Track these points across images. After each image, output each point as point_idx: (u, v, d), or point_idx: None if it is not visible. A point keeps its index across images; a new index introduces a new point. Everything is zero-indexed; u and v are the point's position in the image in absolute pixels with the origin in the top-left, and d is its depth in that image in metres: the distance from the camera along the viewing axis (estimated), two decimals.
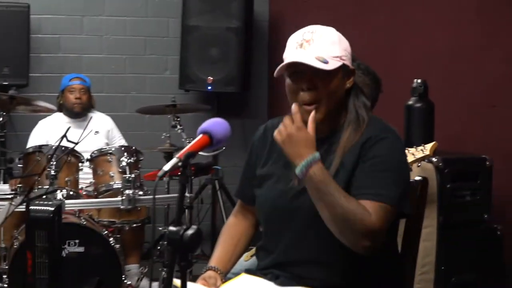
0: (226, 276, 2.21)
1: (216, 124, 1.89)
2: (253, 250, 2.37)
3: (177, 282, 1.71)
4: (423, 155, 3.02)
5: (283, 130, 2.01)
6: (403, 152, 2.12)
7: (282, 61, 2.07)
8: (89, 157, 4.15)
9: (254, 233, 2.35)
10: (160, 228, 4.45)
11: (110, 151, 4.18)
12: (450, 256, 3.35)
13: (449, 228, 3.35)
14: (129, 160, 4.11)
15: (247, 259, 2.52)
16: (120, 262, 3.70)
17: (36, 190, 3.64)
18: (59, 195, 3.78)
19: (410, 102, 3.59)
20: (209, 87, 5.31)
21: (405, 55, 4.43)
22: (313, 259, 2.06)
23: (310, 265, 2.06)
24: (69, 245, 3.55)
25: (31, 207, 2.98)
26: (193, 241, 1.62)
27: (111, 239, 3.72)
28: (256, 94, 5.87)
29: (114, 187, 4.08)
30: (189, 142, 1.88)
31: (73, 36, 5.57)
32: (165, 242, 4.12)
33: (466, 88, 3.99)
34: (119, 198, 3.91)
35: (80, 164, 4.05)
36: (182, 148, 2.41)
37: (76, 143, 3.65)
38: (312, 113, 2.02)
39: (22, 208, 3.16)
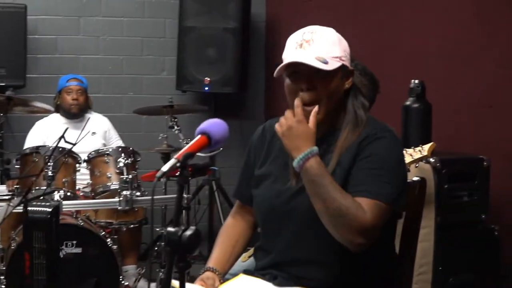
0: (224, 277, 2.20)
1: (214, 125, 1.88)
2: (251, 251, 2.37)
3: (175, 283, 1.71)
4: (421, 155, 3.01)
5: (284, 122, 2.02)
6: (401, 152, 2.11)
7: (279, 61, 2.06)
8: (86, 158, 4.15)
9: (252, 234, 2.34)
10: (158, 229, 4.44)
11: (107, 152, 4.18)
12: (448, 256, 3.35)
13: (447, 229, 3.35)
14: (126, 161, 4.11)
15: (245, 260, 2.51)
16: (117, 263, 3.71)
17: (33, 191, 3.64)
18: (57, 196, 3.78)
19: (408, 103, 3.58)
20: (206, 88, 5.31)
21: (402, 55, 4.43)
22: (311, 259, 2.06)
23: (308, 265, 2.06)
24: (66, 246, 3.55)
25: (29, 208, 2.99)
26: (192, 242, 1.61)
27: (108, 240, 3.72)
28: (253, 95, 5.87)
29: (111, 188, 4.09)
30: (187, 143, 1.88)
31: (70, 37, 5.57)
32: (163, 243, 4.12)
33: (464, 89, 3.99)
34: (116, 199, 3.91)
35: (77, 165, 4.05)
36: (179, 149, 2.42)
37: (74, 144, 3.66)
38: (315, 108, 2.02)
39: (19, 209, 3.15)
